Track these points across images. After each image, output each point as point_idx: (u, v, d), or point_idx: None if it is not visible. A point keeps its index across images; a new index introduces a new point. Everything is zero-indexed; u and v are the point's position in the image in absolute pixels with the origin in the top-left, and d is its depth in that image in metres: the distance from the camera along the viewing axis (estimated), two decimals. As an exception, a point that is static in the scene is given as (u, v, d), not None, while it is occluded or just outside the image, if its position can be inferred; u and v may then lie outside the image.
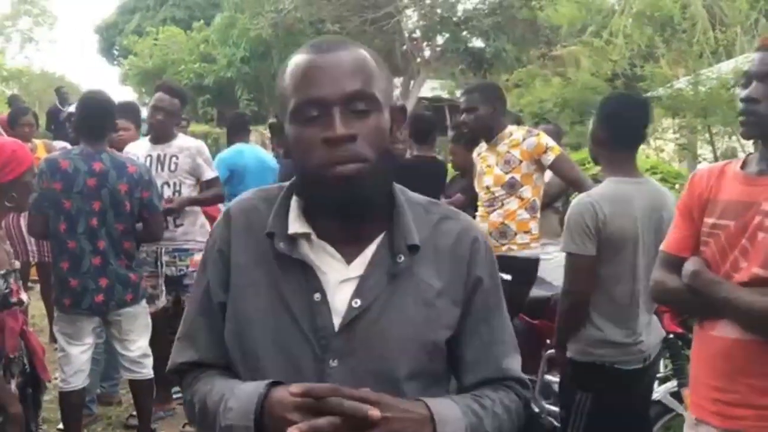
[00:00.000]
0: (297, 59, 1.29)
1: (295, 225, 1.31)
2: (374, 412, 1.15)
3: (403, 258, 1.30)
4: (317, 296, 1.29)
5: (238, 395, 1.25)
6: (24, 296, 2.77)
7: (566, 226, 2.80)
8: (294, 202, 1.34)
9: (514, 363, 1.42)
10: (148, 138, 4.57)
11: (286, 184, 1.38)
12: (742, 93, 2.01)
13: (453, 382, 1.46)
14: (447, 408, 1.26)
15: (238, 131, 5.99)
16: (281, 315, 1.30)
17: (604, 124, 2.88)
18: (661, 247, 2.21)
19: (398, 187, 1.38)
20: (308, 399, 1.17)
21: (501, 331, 1.41)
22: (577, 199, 2.87)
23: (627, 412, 2.86)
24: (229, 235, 1.37)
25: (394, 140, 1.34)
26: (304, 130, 1.25)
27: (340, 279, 1.30)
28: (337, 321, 1.28)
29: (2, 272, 2.62)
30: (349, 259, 1.31)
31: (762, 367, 1.93)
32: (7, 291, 2.63)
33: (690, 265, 2.04)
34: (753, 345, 1.93)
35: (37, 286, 6.10)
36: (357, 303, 1.28)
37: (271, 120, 1.44)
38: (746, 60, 2.13)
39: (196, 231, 4.40)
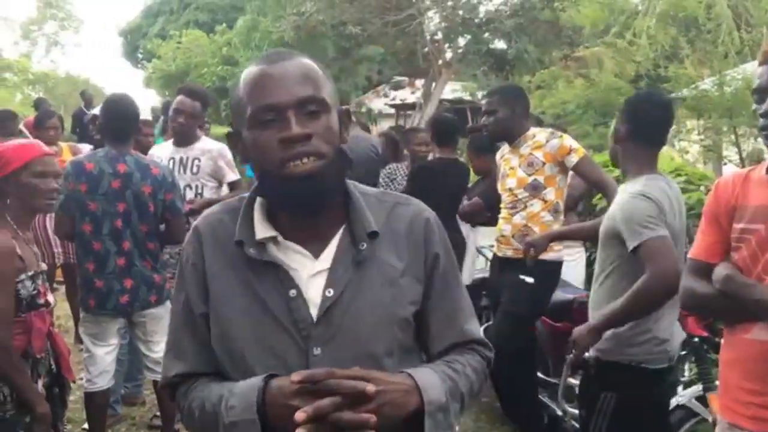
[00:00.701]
0: (250, 71, 1.40)
1: (262, 230, 1.41)
2: (370, 387, 1.26)
3: (365, 245, 1.41)
4: (293, 292, 1.38)
5: (238, 393, 1.33)
6: (51, 298, 2.80)
7: (629, 221, 2.66)
8: (257, 209, 1.44)
9: (474, 327, 1.56)
10: (171, 141, 4.61)
11: (246, 195, 1.48)
12: (759, 108, 2.02)
13: None
14: (428, 376, 1.37)
15: None
16: (261, 314, 1.39)
17: (625, 119, 2.87)
18: (689, 254, 2.20)
19: (350, 182, 1.49)
20: (307, 384, 1.26)
21: (460, 299, 1.54)
22: (633, 198, 2.72)
23: (649, 413, 2.84)
24: (200, 248, 1.46)
25: (343, 140, 1.43)
26: (262, 134, 1.35)
27: (311, 273, 1.40)
28: (314, 312, 1.38)
29: (30, 274, 2.66)
30: (316, 254, 1.42)
31: None
32: (34, 292, 2.67)
33: (722, 270, 2.05)
34: None
35: (63, 288, 6.17)
36: (330, 292, 1.38)
37: (228, 130, 1.52)
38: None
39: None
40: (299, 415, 1.22)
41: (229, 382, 1.39)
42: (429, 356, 1.51)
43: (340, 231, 1.43)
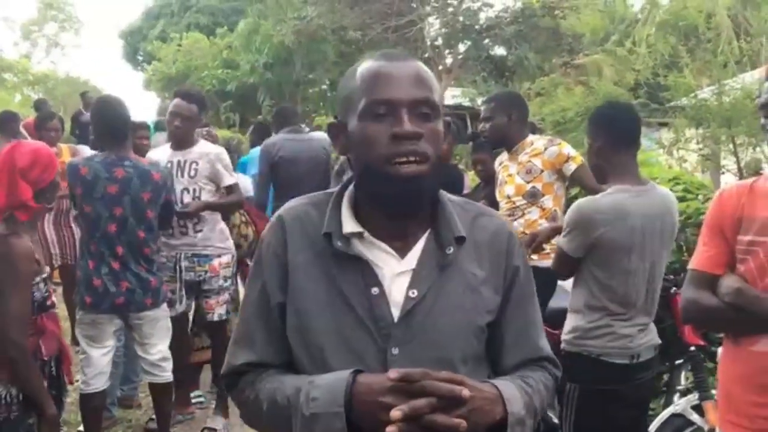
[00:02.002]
0: (368, 65, 1.42)
1: (349, 225, 1.42)
2: (466, 392, 1.25)
3: (452, 250, 1.42)
4: (375, 290, 1.39)
5: (321, 385, 1.31)
6: (54, 299, 2.84)
7: (567, 222, 2.89)
8: (345, 205, 1.45)
9: (545, 343, 1.57)
10: (169, 144, 4.59)
11: (335, 190, 1.50)
12: (767, 124, 2.04)
13: None
14: (509, 387, 1.38)
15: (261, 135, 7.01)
16: (341, 309, 1.39)
17: (599, 131, 2.94)
18: (690, 265, 2.19)
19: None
20: (402, 383, 1.25)
21: (534, 314, 1.55)
22: (580, 205, 2.89)
23: (615, 408, 2.85)
24: (284, 239, 1.45)
25: (443, 150, 1.44)
26: (373, 126, 1.36)
27: (396, 272, 1.40)
28: (395, 311, 1.38)
29: (44, 276, 2.71)
30: (400, 254, 1.42)
31: None
32: (46, 294, 2.71)
33: (732, 282, 2.03)
34: None
35: (59, 289, 6.17)
36: (414, 293, 1.39)
37: (331, 120, 1.52)
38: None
39: (215, 237, 4.41)
40: (395, 413, 1.21)
41: (305, 375, 1.38)
42: (498, 369, 1.51)
43: (426, 233, 1.44)
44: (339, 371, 1.32)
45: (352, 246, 1.41)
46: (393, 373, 1.25)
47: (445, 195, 1.49)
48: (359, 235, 1.41)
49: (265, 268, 1.46)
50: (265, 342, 1.46)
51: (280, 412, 1.36)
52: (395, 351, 1.36)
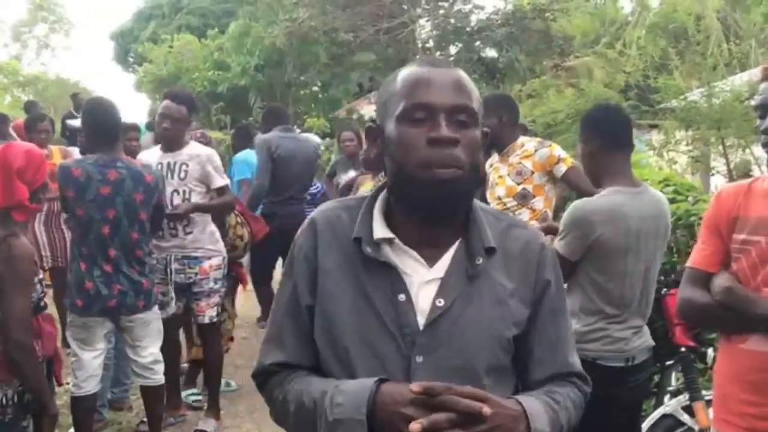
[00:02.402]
0: (410, 70, 1.43)
1: (380, 231, 1.43)
2: (487, 409, 1.24)
3: (481, 260, 1.41)
4: (402, 297, 1.39)
5: (346, 391, 1.32)
6: (46, 302, 2.84)
7: (563, 224, 2.86)
8: (377, 210, 1.46)
9: (576, 359, 1.56)
10: (159, 146, 4.58)
11: (368, 194, 1.50)
12: (762, 125, 2.07)
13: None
14: (533, 404, 1.37)
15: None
16: (367, 314, 1.40)
17: (590, 134, 2.94)
18: (688, 263, 2.22)
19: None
20: (424, 396, 1.25)
21: (565, 329, 1.54)
22: (576, 206, 2.89)
23: (611, 411, 2.85)
24: (315, 242, 1.47)
25: (479, 159, 1.45)
26: (410, 130, 1.37)
27: (424, 280, 1.40)
28: (421, 320, 1.38)
29: (40, 277, 2.73)
30: (430, 262, 1.42)
31: None
32: (42, 295, 2.72)
33: (723, 281, 2.06)
34: None
35: (50, 291, 6.14)
36: (441, 302, 1.38)
37: (369, 124, 1.51)
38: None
39: (205, 238, 4.40)
40: (414, 426, 1.22)
41: (331, 378, 1.40)
42: (526, 383, 1.50)
43: (457, 243, 1.43)
44: (364, 379, 1.33)
45: (381, 252, 1.41)
46: (415, 386, 1.25)
47: (478, 204, 1.49)
48: (389, 242, 1.42)
49: (296, 270, 1.48)
50: (294, 343, 1.47)
51: (306, 415, 1.37)
52: (419, 359, 1.36)
